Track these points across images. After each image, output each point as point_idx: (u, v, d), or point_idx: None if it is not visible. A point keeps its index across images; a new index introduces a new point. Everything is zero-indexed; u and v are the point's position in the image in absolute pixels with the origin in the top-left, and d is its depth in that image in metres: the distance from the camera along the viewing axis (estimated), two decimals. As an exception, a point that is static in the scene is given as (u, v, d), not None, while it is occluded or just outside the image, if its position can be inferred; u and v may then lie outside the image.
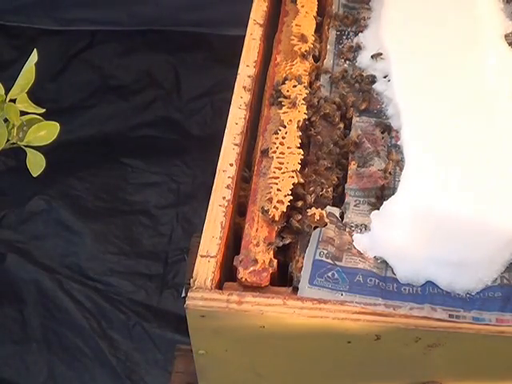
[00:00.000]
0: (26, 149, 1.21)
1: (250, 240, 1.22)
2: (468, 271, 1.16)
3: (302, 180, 1.30)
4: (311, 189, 1.29)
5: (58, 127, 1.22)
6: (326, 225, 1.22)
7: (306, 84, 1.44)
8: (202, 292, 1.14)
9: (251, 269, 1.18)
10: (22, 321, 2.15)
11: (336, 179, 1.32)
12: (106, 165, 2.46)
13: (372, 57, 1.47)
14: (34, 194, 2.35)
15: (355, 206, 1.27)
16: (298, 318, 1.12)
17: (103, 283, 2.22)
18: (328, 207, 1.26)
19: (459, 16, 1.52)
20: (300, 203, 1.27)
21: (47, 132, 1.21)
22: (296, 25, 1.52)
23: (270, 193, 1.27)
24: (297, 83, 1.43)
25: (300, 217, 1.26)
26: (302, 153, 1.33)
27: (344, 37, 1.54)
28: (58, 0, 2.67)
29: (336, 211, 1.26)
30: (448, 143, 1.32)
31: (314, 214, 1.24)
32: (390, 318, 1.11)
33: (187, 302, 1.13)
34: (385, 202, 1.26)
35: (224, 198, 1.25)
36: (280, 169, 1.30)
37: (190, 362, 1.23)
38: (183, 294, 1.40)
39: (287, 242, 1.24)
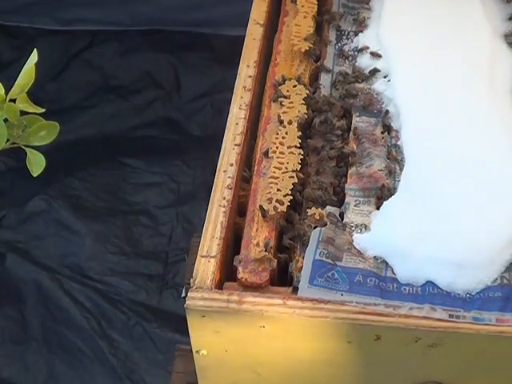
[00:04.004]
0: (26, 149, 1.21)
1: (250, 240, 1.22)
2: (468, 271, 1.16)
3: (302, 177, 1.30)
4: (311, 188, 1.29)
5: (58, 127, 1.22)
6: (326, 225, 1.23)
7: (306, 84, 1.44)
8: (202, 292, 1.14)
9: (251, 269, 1.19)
10: (22, 321, 2.15)
11: (336, 179, 1.32)
12: (105, 165, 2.46)
13: (370, 53, 1.48)
14: (34, 194, 2.35)
15: (355, 205, 1.27)
16: (298, 318, 1.12)
17: (103, 283, 2.22)
18: (328, 207, 1.26)
19: (459, 16, 1.52)
20: (300, 203, 1.28)
21: (47, 132, 1.21)
22: (296, 25, 1.52)
23: (270, 193, 1.27)
24: (297, 83, 1.43)
25: (300, 217, 1.26)
26: (302, 153, 1.33)
27: (344, 37, 1.54)
28: (58, 0, 2.67)
29: (336, 211, 1.26)
30: (448, 143, 1.32)
31: (314, 213, 1.24)
32: (390, 318, 1.11)
33: (187, 302, 1.13)
34: (385, 202, 1.26)
35: (224, 198, 1.25)
36: (280, 169, 1.30)
37: (190, 362, 1.23)
38: (183, 294, 1.40)
39: (287, 243, 1.24)
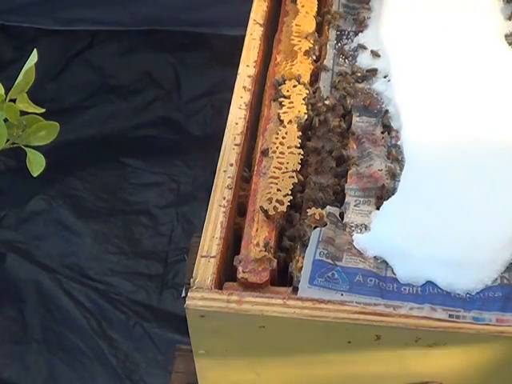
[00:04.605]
0: (26, 149, 1.20)
1: (250, 240, 1.22)
2: (468, 271, 1.16)
3: (302, 178, 1.30)
4: (311, 189, 1.29)
5: (58, 127, 1.22)
6: (326, 225, 1.23)
7: (306, 84, 1.44)
8: (202, 292, 1.14)
9: (251, 269, 1.18)
10: (22, 321, 2.16)
11: (336, 179, 1.32)
12: (105, 165, 2.46)
13: (371, 52, 1.48)
14: (34, 194, 2.36)
15: (355, 205, 1.27)
16: (298, 318, 1.12)
17: (103, 283, 2.22)
18: (328, 207, 1.26)
19: (459, 16, 1.52)
20: (299, 203, 1.28)
21: (47, 132, 1.21)
22: (296, 25, 1.52)
23: (270, 193, 1.27)
24: (297, 83, 1.43)
25: (300, 217, 1.26)
26: (302, 153, 1.33)
27: (344, 37, 1.54)
28: (58, 0, 2.67)
29: (336, 211, 1.26)
30: (448, 143, 1.32)
31: (314, 213, 1.24)
32: (390, 318, 1.11)
33: (187, 302, 1.13)
34: (385, 202, 1.26)
35: (224, 198, 1.25)
36: (280, 169, 1.30)
37: (190, 361, 1.23)
38: (183, 294, 1.40)
39: (287, 245, 1.24)
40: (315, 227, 1.22)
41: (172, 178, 2.43)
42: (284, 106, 1.39)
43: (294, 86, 1.42)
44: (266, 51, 1.53)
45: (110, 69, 2.67)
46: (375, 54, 1.47)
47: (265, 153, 1.33)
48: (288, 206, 1.26)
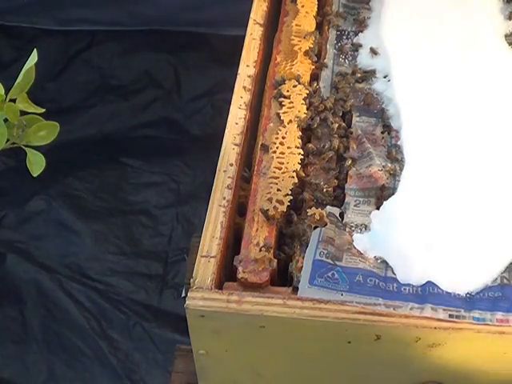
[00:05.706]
0: (26, 149, 1.20)
1: (250, 240, 1.22)
2: (468, 271, 1.16)
3: (302, 175, 1.30)
4: (311, 188, 1.29)
5: (58, 127, 1.22)
6: (326, 225, 1.23)
7: (305, 84, 1.44)
8: (202, 292, 1.14)
9: (251, 269, 1.18)
10: (22, 321, 2.15)
11: (336, 179, 1.32)
12: (106, 165, 2.46)
13: (370, 49, 1.48)
14: (34, 194, 2.35)
15: (355, 205, 1.27)
16: (298, 318, 1.12)
17: (103, 283, 2.22)
18: (328, 207, 1.26)
19: (459, 16, 1.52)
20: (300, 203, 1.28)
21: (47, 132, 1.21)
22: (296, 24, 1.52)
23: (270, 193, 1.27)
24: (297, 83, 1.43)
25: (299, 217, 1.26)
26: (302, 153, 1.33)
27: (344, 37, 1.55)
28: (58, 0, 2.67)
29: (336, 211, 1.26)
30: (448, 143, 1.32)
31: (314, 213, 1.24)
32: (390, 318, 1.11)
33: (187, 302, 1.13)
34: (385, 202, 1.26)
35: (224, 198, 1.25)
36: (280, 169, 1.30)
37: (190, 361, 1.23)
38: (183, 294, 1.40)
39: (285, 250, 1.24)
40: (315, 227, 1.23)
41: (172, 177, 2.43)
42: (284, 105, 1.39)
43: (294, 86, 1.42)
44: (266, 51, 1.53)
45: (109, 69, 2.66)
46: (374, 52, 1.47)
47: (264, 148, 1.33)
48: (288, 206, 1.26)
